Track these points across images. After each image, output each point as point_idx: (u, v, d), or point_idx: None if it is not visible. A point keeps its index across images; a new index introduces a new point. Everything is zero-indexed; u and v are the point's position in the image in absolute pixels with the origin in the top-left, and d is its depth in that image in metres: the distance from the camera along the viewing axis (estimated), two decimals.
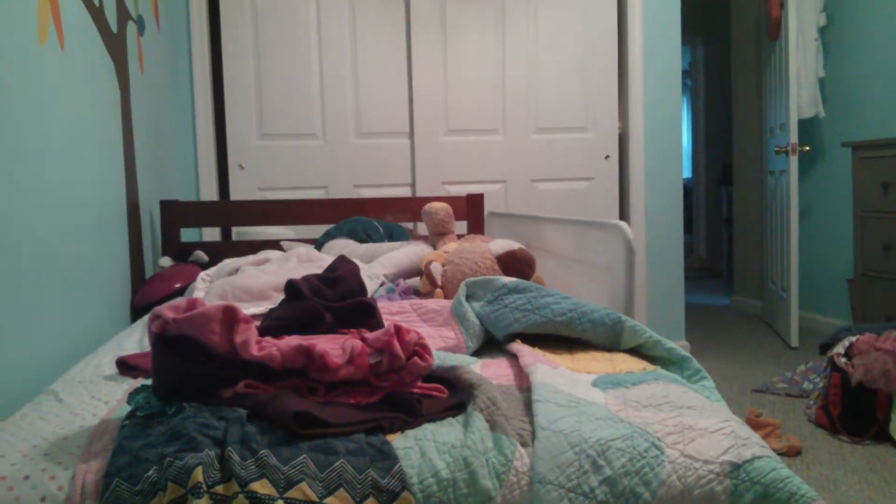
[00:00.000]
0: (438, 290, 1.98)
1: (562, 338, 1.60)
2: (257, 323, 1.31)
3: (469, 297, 1.71)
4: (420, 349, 1.13)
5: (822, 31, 4.32)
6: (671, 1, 3.92)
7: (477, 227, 3.10)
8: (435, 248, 2.41)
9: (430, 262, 2.01)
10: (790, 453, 2.60)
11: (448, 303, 1.72)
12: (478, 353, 1.62)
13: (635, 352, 1.56)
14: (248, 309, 1.74)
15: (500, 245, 1.94)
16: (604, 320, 1.54)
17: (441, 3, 3.74)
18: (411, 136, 3.76)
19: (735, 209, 5.61)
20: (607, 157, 3.95)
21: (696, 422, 1.13)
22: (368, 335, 1.13)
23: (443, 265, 2.01)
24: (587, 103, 3.91)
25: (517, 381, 1.35)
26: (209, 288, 1.84)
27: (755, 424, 2.69)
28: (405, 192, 3.77)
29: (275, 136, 3.66)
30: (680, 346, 3.91)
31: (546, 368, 1.31)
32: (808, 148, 4.18)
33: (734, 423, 1.15)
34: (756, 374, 3.65)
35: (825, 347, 3.05)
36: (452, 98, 3.77)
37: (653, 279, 3.99)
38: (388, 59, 3.73)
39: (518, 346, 1.50)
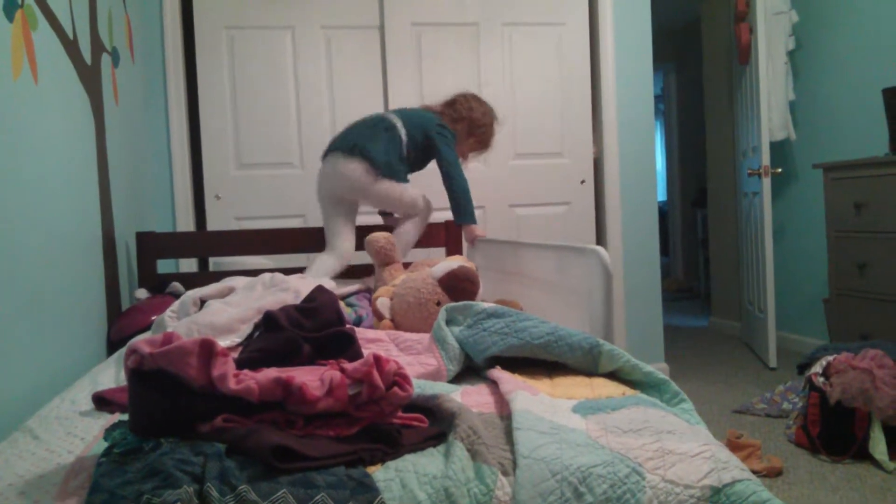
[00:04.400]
0: (386, 322, 1.99)
1: (542, 363, 1.61)
2: (234, 355, 1.30)
3: (449, 322, 1.71)
4: (400, 379, 1.13)
5: (791, 55, 4.41)
6: (642, 28, 3.98)
7: (455, 252, 3.11)
8: (381, 278, 2.39)
9: (377, 299, 2.04)
10: (771, 474, 2.60)
11: (425, 335, 1.73)
12: (458, 380, 1.62)
13: (614, 376, 1.56)
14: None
15: (442, 268, 1.95)
16: (581, 344, 1.54)
17: (416, 33, 3.78)
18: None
19: (710, 231, 5.67)
20: (583, 181, 3.98)
21: (676, 446, 1.13)
22: (348, 366, 1.12)
23: (391, 298, 2.02)
24: (563, 129, 3.95)
25: (498, 408, 1.35)
26: (175, 327, 1.83)
27: (735, 446, 2.70)
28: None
29: (252, 166, 3.66)
30: (659, 368, 3.95)
31: (526, 395, 1.31)
32: (780, 170, 4.24)
33: (714, 447, 1.15)
34: (735, 394, 3.67)
35: (803, 367, 3.08)
36: None
37: (631, 302, 4.01)
38: (364, 87, 3.75)
39: (498, 373, 1.50)
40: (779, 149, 4.46)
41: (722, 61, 5.22)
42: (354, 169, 2.69)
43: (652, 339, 4.07)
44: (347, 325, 1.49)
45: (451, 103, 3.03)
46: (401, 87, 3.76)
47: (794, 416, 3.03)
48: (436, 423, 1.26)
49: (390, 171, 2.72)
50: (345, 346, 1.37)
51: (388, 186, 2.71)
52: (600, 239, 4.05)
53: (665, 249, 7.94)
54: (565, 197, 3.97)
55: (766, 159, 4.13)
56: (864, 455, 2.68)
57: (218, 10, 3.61)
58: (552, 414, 1.25)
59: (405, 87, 3.76)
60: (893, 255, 3.03)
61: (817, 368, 2.90)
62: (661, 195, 8.30)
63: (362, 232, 2.92)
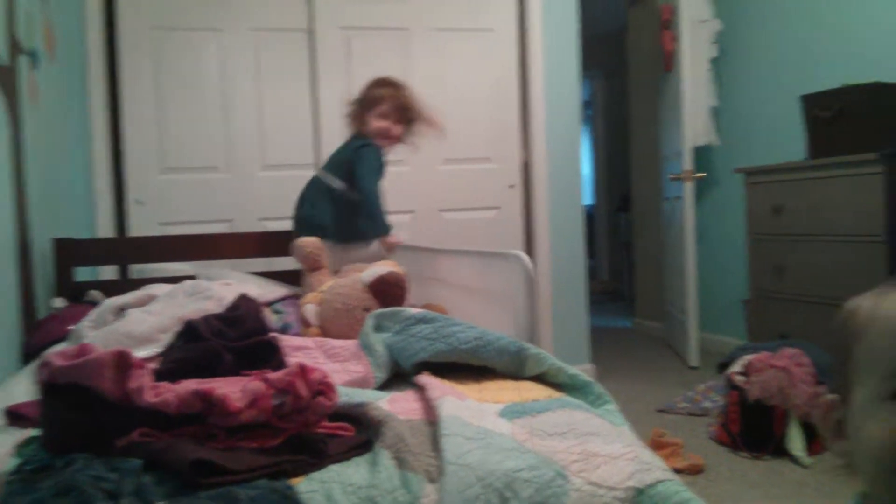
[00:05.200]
0: (314, 329, 1.97)
1: (470, 367, 1.61)
2: (153, 366, 1.26)
3: (377, 329, 1.70)
4: (325, 388, 1.12)
5: (714, 62, 4.54)
6: (570, 35, 4.05)
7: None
8: (309, 284, 2.36)
9: (304, 305, 2.02)
10: (693, 471, 2.67)
11: (352, 342, 1.71)
12: (386, 386, 1.61)
13: (540, 379, 1.58)
14: (135, 353, 1.68)
15: (370, 273, 1.94)
16: (508, 348, 1.55)
17: (346, 37, 3.75)
18: (318, 167, 3.73)
19: (634, 234, 5.80)
20: (512, 186, 4.02)
21: (600, 448, 1.15)
22: (271, 375, 1.10)
23: (318, 304, 2.00)
24: (492, 134, 3.98)
25: (425, 414, 1.35)
26: (93, 337, 1.77)
27: (659, 444, 2.76)
28: None
29: (176, 170, 3.57)
30: (585, 370, 4.01)
31: (453, 400, 1.31)
32: (702, 174, 4.37)
33: (637, 448, 1.17)
34: (659, 394, 3.75)
35: (723, 366, 3.17)
36: None
37: (558, 304, 4.06)
38: (293, 91, 3.71)
39: (426, 379, 1.50)
40: (701, 154, 4.59)
41: (647, 68, 5.35)
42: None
43: (578, 341, 4.13)
44: (272, 334, 1.47)
45: (359, 102, 2.94)
46: (331, 91, 3.72)
47: (715, 415, 3.11)
48: (362, 432, 1.24)
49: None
50: (268, 356, 1.35)
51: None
52: (529, 243, 4.09)
53: (591, 252, 8.09)
54: (495, 202, 4.00)
55: (688, 164, 4.24)
56: (782, 451, 2.77)
57: (143, 10, 3.51)
58: (479, 419, 1.26)
59: (335, 90, 3.73)
60: (810, 257, 3.15)
61: (737, 367, 2.99)
62: (588, 199, 8.45)
63: (290, 238, 2.88)
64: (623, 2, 5.69)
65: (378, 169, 2.80)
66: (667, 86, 4.67)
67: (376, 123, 2.85)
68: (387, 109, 2.86)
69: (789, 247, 3.27)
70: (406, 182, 3.84)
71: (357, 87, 3.73)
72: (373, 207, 2.75)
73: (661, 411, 3.49)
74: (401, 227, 3.69)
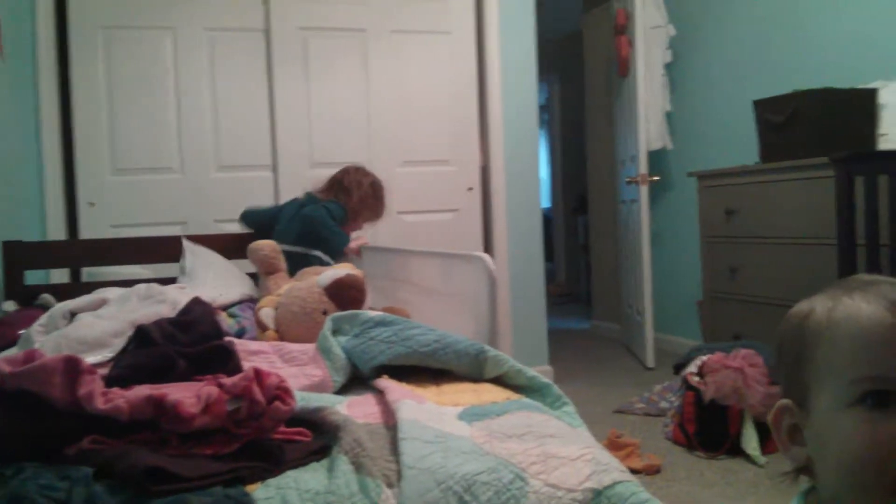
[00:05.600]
0: (271, 333, 1.94)
1: (429, 370, 1.61)
2: (104, 372, 1.23)
3: (335, 332, 1.69)
4: (281, 392, 1.10)
5: (668, 67, 4.61)
6: (527, 40, 4.07)
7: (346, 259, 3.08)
8: (265, 287, 2.34)
9: (260, 309, 1.99)
10: (650, 471, 2.70)
11: (310, 345, 1.70)
12: (345, 390, 1.60)
13: (499, 381, 1.58)
14: (87, 358, 1.64)
15: (328, 276, 1.93)
16: (468, 350, 1.55)
17: (303, 38, 3.72)
18: (275, 168, 3.70)
19: (591, 237, 5.86)
20: (470, 189, 4.03)
21: (558, 450, 1.16)
22: (226, 381, 1.08)
23: (275, 308, 1.98)
24: (450, 137, 3.98)
25: (384, 418, 1.34)
26: (43, 342, 1.73)
27: (616, 445, 2.78)
28: None
29: (129, 171, 3.50)
30: (544, 371, 4.03)
31: (412, 404, 1.31)
32: (657, 178, 4.43)
33: (594, 450, 1.18)
34: (616, 395, 3.79)
35: (679, 367, 3.21)
36: (317, 131, 3.75)
37: (516, 306, 4.08)
38: (249, 91, 3.66)
39: (385, 382, 1.49)
40: (656, 158, 4.65)
41: (602, 73, 5.40)
42: None
43: (537, 343, 4.15)
44: (227, 338, 1.44)
45: (339, 182, 3.04)
46: (287, 92, 3.69)
47: (672, 415, 3.15)
48: (320, 437, 1.23)
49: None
50: (223, 361, 1.33)
51: None
52: (487, 245, 4.10)
53: (549, 254, 8.14)
54: (453, 204, 4.00)
55: (643, 168, 4.30)
56: (737, 451, 2.81)
57: (94, 8, 3.44)
58: (438, 422, 1.25)
59: (292, 92, 3.70)
60: (762, 259, 3.21)
61: (692, 368, 3.03)
62: (546, 202, 8.51)
63: (247, 240, 2.85)
64: (578, 7, 5.74)
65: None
66: (622, 90, 4.73)
67: (363, 221, 3.09)
68: (373, 213, 3.09)
69: (742, 249, 3.33)
70: None
71: (315, 88, 3.73)
72: (323, 231, 2.83)
73: (618, 412, 3.52)
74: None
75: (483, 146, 4.08)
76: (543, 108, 8.09)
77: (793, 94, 3.04)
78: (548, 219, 8.24)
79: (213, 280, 2.59)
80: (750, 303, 3.30)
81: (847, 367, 0.68)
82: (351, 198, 2.99)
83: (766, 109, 3.16)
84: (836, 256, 2.58)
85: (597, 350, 5.04)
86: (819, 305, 0.74)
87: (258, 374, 1.09)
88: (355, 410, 1.40)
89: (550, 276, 7.81)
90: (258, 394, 1.07)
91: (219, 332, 1.45)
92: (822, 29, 3.62)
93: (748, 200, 3.25)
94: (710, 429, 2.88)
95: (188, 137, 3.57)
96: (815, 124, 2.93)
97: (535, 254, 4.15)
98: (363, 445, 1.12)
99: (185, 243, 2.87)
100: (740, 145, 3.98)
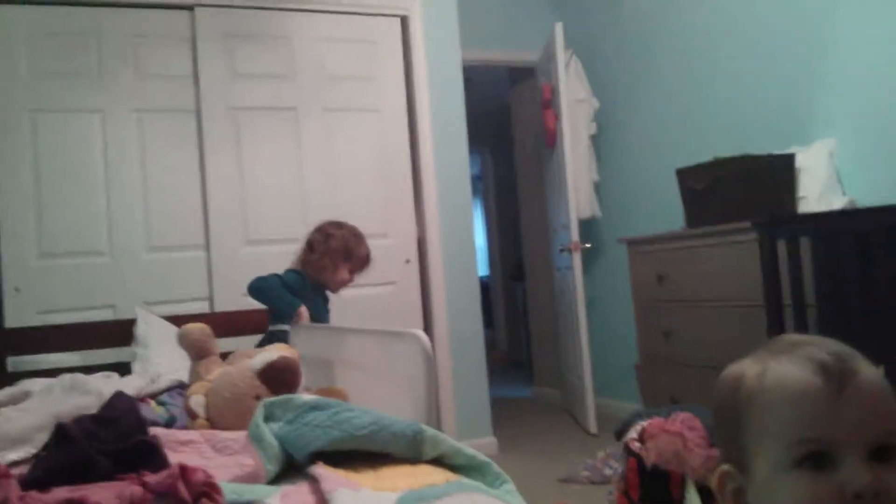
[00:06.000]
0: (201, 421, 1.88)
1: (367, 454, 1.57)
2: (22, 471, 1.17)
3: (268, 419, 1.64)
4: (208, 489, 1.06)
5: (593, 139, 4.75)
6: (457, 114, 4.17)
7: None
8: (196, 373, 2.27)
9: (190, 396, 1.93)
10: None
11: (242, 433, 1.64)
12: (280, 478, 1.55)
13: (438, 461, 1.56)
14: (8, 455, 1.56)
15: (261, 359, 1.88)
16: (404, 432, 1.52)
17: (233, 116, 3.73)
18: (207, 248, 3.65)
19: (529, 303, 5.90)
20: (408, 261, 4.04)
21: None
22: (150, 479, 1.04)
23: (206, 394, 1.91)
24: (386, 211, 4.01)
25: None
26: None
27: None
28: (202, 306, 3.61)
29: (56, 255, 3.41)
30: (488, 443, 3.99)
31: (348, 493, 1.27)
32: (588, 245, 4.51)
33: None
34: (561, 463, 3.77)
35: (619, 434, 3.21)
36: (251, 208, 3.72)
37: (458, 377, 4.06)
38: (180, 171, 3.64)
39: (319, 470, 1.45)
40: (587, 226, 4.75)
41: (532, 144, 5.54)
42: None
43: (480, 413, 4.12)
44: (156, 429, 1.39)
45: (307, 241, 3.03)
46: (219, 170, 3.67)
47: (616, 482, 3.14)
48: None
49: None
50: (148, 457, 1.27)
51: None
52: (427, 317, 4.09)
53: (489, 321, 8.16)
54: (391, 277, 3.99)
55: (575, 236, 4.38)
56: None
57: (20, 91, 3.39)
58: None
59: (224, 169, 3.68)
60: (694, 322, 3.27)
61: (633, 434, 3.03)
62: (484, 269, 8.58)
63: (178, 322, 2.78)
64: (506, 82, 5.91)
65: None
66: (551, 161, 4.85)
67: (349, 274, 3.01)
68: (356, 265, 3.02)
69: (674, 313, 3.39)
70: None
71: (248, 166, 3.72)
72: (268, 300, 2.83)
73: (563, 481, 3.50)
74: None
75: (419, 218, 4.11)
76: (478, 178, 8.24)
77: (713, 162, 3.16)
78: (486, 286, 8.29)
79: (169, 350, 2.52)
80: (685, 366, 3.35)
81: (782, 432, 0.69)
82: (314, 252, 2.95)
83: (688, 177, 3.27)
84: (765, 318, 2.65)
85: (540, 417, 5.02)
86: (749, 370, 0.75)
87: (184, 471, 1.04)
88: (289, 501, 1.35)
89: (491, 344, 7.82)
90: (184, 491, 1.03)
91: (142, 427, 1.39)
92: (739, 97, 3.80)
93: (677, 265, 3.33)
94: (653, 494, 2.87)
95: (117, 219, 3.51)
96: (736, 190, 3.04)
97: (474, 324, 4.16)
98: None
99: (138, 311, 2.78)
100: (668, 211, 4.10)
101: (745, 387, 0.75)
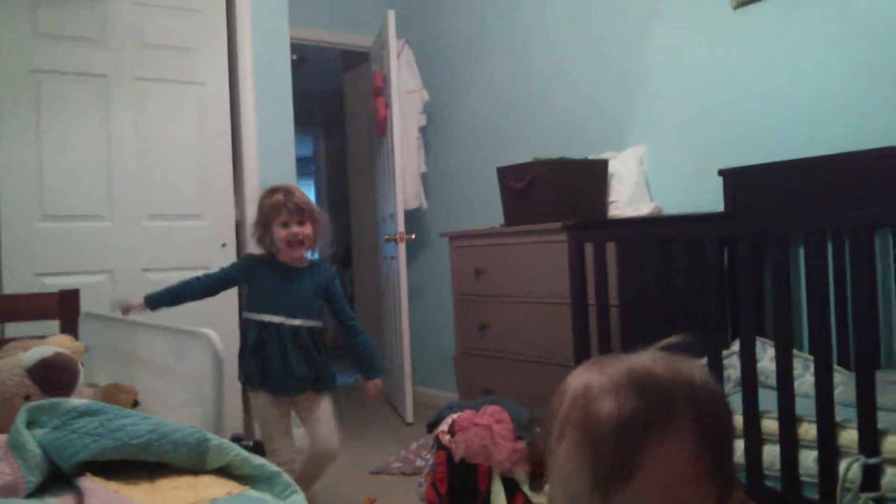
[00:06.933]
0: None
1: (145, 463, 1.46)
2: None
3: (31, 424, 1.48)
4: None
5: (423, 130, 4.75)
6: (283, 94, 4.02)
7: (70, 328, 2.78)
8: None
9: None
10: None
11: (5, 437, 1.48)
12: (44, 489, 1.40)
13: (224, 471, 1.47)
14: None
15: (33, 355, 1.71)
16: (187, 440, 1.43)
17: (35, 80, 3.38)
18: None
19: (356, 290, 5.85)
20: (224, 245, 3.85)
21: None
22: None
23: None
24: (202, 191, 3.80)
25: None
26: None
27: None
28: None
29: None
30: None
31: None
32: (413, 236, 4.51)
33: None
34: (376, 453, 3.75)
35: (432, 426, 3.23)
36: (49, 182, 3.40)
37: None
38: None
39: (87, 483, 1.32)
40: (413, 216, 4.75)
41: (364, 130, 5.47)
42: None
43: None
44: None
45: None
46: (14, 139, 3.32)
47: (426, 474, 3.16)
48: None
49: None
50: None
51: None
52: (241, 303, 3.92)
53: None
54: (205, 261, 3.78)
55: (401, 226, 4.37)
56: None
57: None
58: None
59: (20, 142, 3.33)
60: (508, 317, 3.35)
61: (444, 426, 3.06)
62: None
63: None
64: (342, 64, 5.79)
65: None
66: (380, 150, 4.80)
67: (279, 234, 2.72)
68: (281, 220, 2.72)
69: (490, 307, 3.46)
70: (104, 238, 3.52)
71: (49, 137, 3.39)
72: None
73: (375, 473, 3.48)
74: (97, 288, 3.38)
75: (238, 200, 3.94)
76: (310, 160, 8.06)
77: (531, 163, 3.23)
78: None
79: None
80: (498, 358, 3.42)
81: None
82: (253, 235, 2.80)
83: (508, 176, 3.33)
84: (571, 316, 2.75)
85: (360, 406, 4.99)
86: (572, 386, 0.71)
87: None
88: None
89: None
90: None
91: None
92: (558, 101, 3.92)
93: (495, 261, 3.39)
94: (461, 487, 2.91)
95: None
96: (552, 191, 3.13)
97: None
98: None
99: None
100: (489, 208, 4.17)
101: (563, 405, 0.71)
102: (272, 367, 2.64)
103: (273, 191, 2.77)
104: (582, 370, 0.72)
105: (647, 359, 0.69)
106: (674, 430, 0.63)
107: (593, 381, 0.68)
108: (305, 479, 2.69)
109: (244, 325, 2.77)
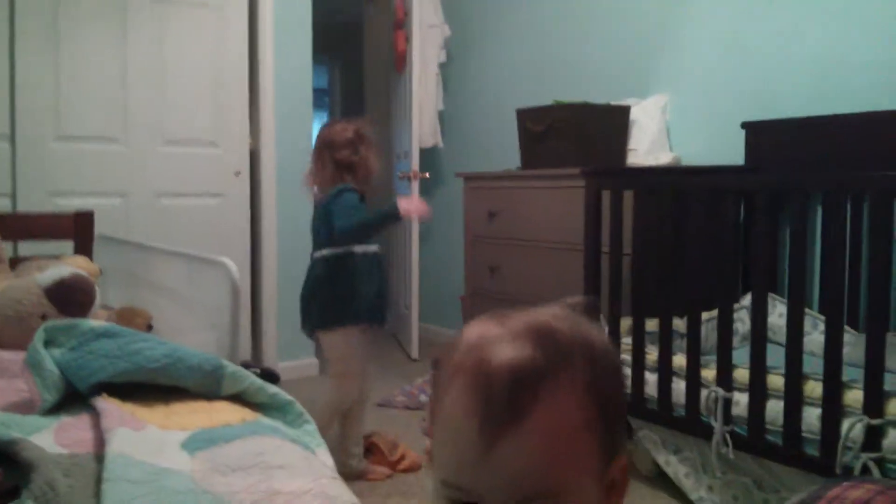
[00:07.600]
0: None
1: (160, 387, 1.48)
2: None
3: (49, 344, 1.50)
4: None
5: (442, 67, 4.67)
6: (303, 21, 3.95)
7: (85, 250, 2.79)
8: None
9: None
10: (414, 469, 2.73)
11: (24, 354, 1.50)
12: (60, 408, 1.43)
13: (238, 398, 1.49)
14: None
15: (51, 275, 1.71)
16: (203, 366, 1.45)
17: (52, 4, 3.32)
18: (12, 140, 3.29)
19: None
20: (238, 173, 3.85)
21: (284, 485, 1.10)
22: None
23: None
24: (217, 118, 3.77)
25: (96, 447, 1.21)
26: None
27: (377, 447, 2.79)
28: (4, 204, 3.27)
29: None
30: (311, 364, 3.94)
31: (127, 433, 1.19)
32: (427, 174, 4.49)
33: (325, 481, 1.14)
34: (382, 387, 3.79)
35: (437, 362, 3.27)
36: (66, 101, 3.38)
37: (284, 299, 3.95)
38: None
39: (102, 404, 1.35)
40: (428, 155, 4.71)
41: (382, 64, 5.37)
42: None
43: (302, 336, 4.05)
44: None
45: (342, 153, 2.71)
46: (34, 55, 3.28)
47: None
48: (16, 472, 1.08)
49: None
50: None
51: None
52: (255, 233, 3.94)
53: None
54: (219, 188, 3.80)
55: (415, 164, 4.34)
56: None
57: None
58: (156, 454, 1.14)
59: (37, 60, 3.29)
60: (519, 260, 3.35)
61: None
62: None
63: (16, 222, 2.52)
64: None
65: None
66: (398, 85, 4.74)
67: (364, 165, 2.70)
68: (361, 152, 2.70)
69: (501, 250, 3.45)
70: (118, 162, 3.51)
71: (67, 55, 3.36)
72: (365, 229, 2.65)
73: (380, 406, 3.53)
74: (111, 211, 3.38)
75: (253, 128, 3.91)
76: (324, 92, 7.96)
77: (552, 107, 3.19)
78: None
79: None
80: (507, 301, 3.44)
81: (439, 463, 0.64)
82: (356, 154, 2.71)
83: (528, 118, 3.28)
84: (583, 262, 2.75)
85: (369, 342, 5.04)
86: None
87: None
88: (65, 436, 1.25)
89: None
90: None
91: None
92: (583, 47, 3.84)
93: (509, 204, 3.37)
94: None
95: None
96: (572, 136, 3.09)
97: (305, 244, 4.03)
98: (56, 489, 0.99)
99: None
100: (507, 150, 4.12)
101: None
102: (372, 296, 2.60)
103: (363, 122, 2.72)
104: (479, 322, 0.71)
105: (550, 314, 0.68)
106: (568, 381, 0.62)
107: (491, 331, 0.67)
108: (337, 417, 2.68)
109: (339, 261, 2.65)
